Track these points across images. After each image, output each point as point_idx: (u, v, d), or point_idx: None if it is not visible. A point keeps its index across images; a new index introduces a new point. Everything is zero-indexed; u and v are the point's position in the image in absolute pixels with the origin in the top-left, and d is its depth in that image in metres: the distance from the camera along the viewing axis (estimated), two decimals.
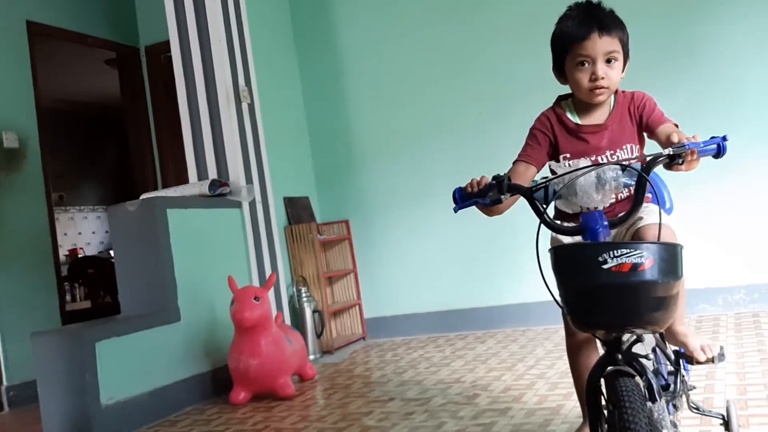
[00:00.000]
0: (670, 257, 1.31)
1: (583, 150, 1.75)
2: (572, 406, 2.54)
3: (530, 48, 4.34)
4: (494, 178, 1.55)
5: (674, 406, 1.73)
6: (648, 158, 1.48)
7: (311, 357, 4.17)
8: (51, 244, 4.64)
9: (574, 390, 2.09)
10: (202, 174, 4.10)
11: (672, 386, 1.72)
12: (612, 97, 1.76)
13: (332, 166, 4.97)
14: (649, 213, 1.70)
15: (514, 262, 4.34)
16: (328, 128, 4.99)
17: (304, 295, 4.38)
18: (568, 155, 1.76)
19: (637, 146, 1.77)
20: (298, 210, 4.71)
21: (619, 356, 1.40)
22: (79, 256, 7.23)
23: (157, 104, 5.59)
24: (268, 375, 3.28)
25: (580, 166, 1.50)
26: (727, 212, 3.93)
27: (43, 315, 4.46)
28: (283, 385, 3.31)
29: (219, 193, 3.89)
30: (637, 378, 1.37)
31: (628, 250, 1.28)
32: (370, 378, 3.57)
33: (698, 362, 1.68)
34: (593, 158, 1.72)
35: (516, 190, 1.53)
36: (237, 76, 4.17)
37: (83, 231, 7.64)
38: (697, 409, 1.79)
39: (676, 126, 1.68)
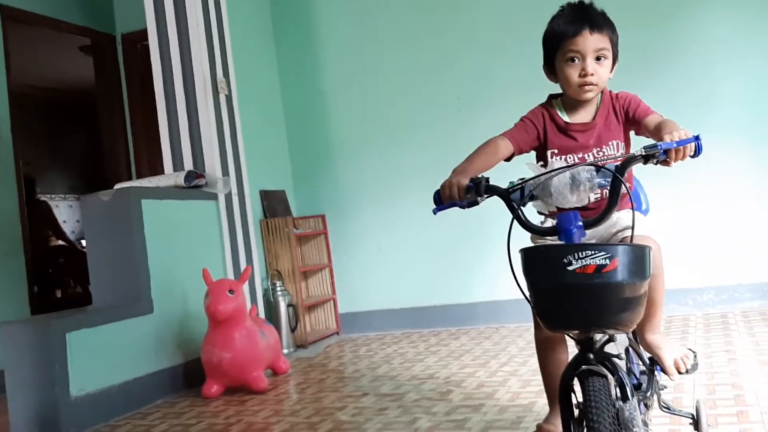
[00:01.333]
0: (636, 258, 1.32)
1: (570, 147, 1.78)
2: (544, 403, 2.56)
3: (509, 47, 4.38)
4: (472, 180, 1.56)
5: (645, 405, 1.76)
6: (623, 158, 1.50)
7: (285, 351, 4.16)
8: (21, 232, 4.55)
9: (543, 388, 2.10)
10: (177, 165, 4.05)
11: (644, 385, 1.74)
12: (599, 96, 1.79)
13: (309, 160, 4.95)
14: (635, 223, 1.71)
15: (488, 260, 4.36)
16: (306, 122, 4.97)
17: (278, 288, 4.36)
18: (555, 150, 1.79)
19: (623, 143, 1.79)
20: (274, 203, 4.69)
21: (591, 356, 1.42)
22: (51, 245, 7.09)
23: (133, 93, 5.51)
24: (242, 368, 3.27)
25: (555, 167, 1.51)
26: (696, 214, 4.00)
27: (10, 304, 4.37)
28: (257, 378, 3.29)
29: (195, 185, 3.85)
30: (609, 377, 1.39)
31: (593, 252, 1.29)
32: (344, 373, 3.57)
33: (671, 379, 1.73)
34: (580, 155, 1.75)
35: (493, 191, 1.54)
36: (215, 67, 4.13)
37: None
38: (668, 408, 1.82)
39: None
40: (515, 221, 1.48)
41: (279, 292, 4.34)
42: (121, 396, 3.20)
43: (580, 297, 1.32)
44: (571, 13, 1.73)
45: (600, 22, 1.72)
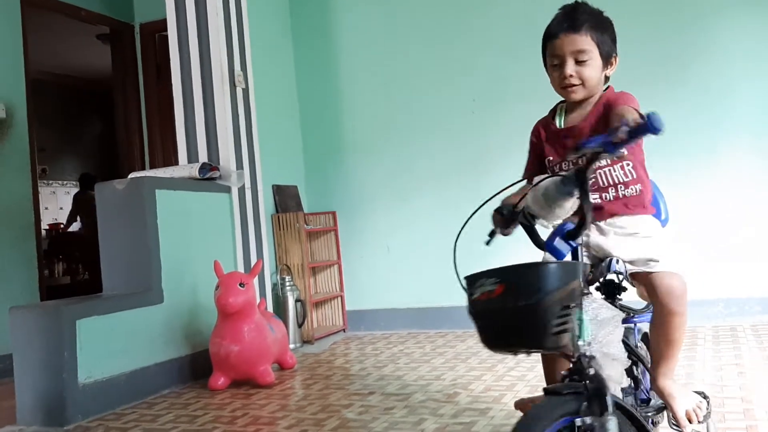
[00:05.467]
0: (525, 281, 1.28)
1: (563, 153, 1.76)
2: None
3: (525, 49, 4.36)
4: (498, 211, 1.61)
5: (653, 422, 1.75)
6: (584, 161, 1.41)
7: (292, 346, 4.16)
8: (33, 218, 4.57)
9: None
10: (192, 157, 4.06)
11: (652, 401, 1.73)
12: (597, 96, 1.76)
13: (322, 157, 4.96)
14: (660, 255, 1.65)
15: (498, 263, 4.35)
16: (320, 118, 4.97)
17: (287, 283, 4.37)
18: (550, 158, 1.79)
19: None
20: (286, 198, 4.70)
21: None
22: (61, 231, 7.16)
23: (148, 83, 5.53)
24: (249, 362, 3.27)
25: (536, 181, 1.48)
26: (708, 226, 3.98)
27: (21, 289, 4.39)
28: (264, 372, 3.30)
29: (209, 177, 3.86)
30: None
31: (484, 279, 1.32)
32: (350, 370, 3.58)
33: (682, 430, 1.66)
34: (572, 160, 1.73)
35: (513, 220, 1.59)
36: (233, 61, 4.14)
37: (65, 206, 7.54)
38: (677, 425, 1.80)
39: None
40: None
41: (288, 287, 4.34)
42: (128, 384, 3.21)
43: (484, 322, 1.34)
44: (557, 16, 1.75)
45: (580, 23, 1.69)
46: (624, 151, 1.31)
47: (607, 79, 1.78)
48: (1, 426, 2.99)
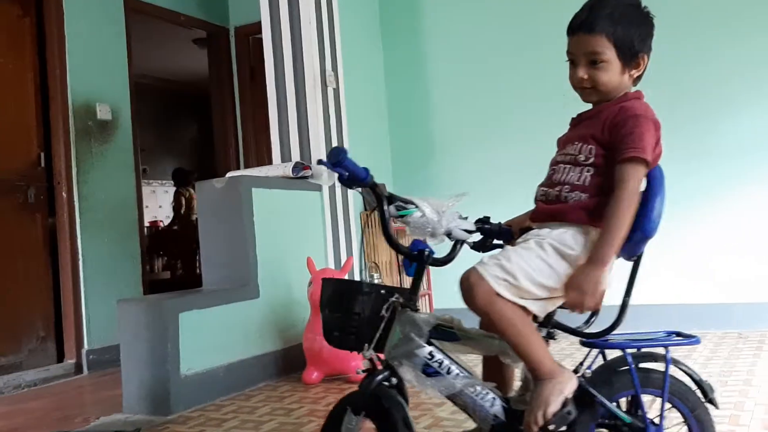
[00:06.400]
0: (333, 292, 1.69)
1: (564, 140, 1.72)
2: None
3: None
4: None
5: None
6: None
7: None
8: (137, 216, 4.80)
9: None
10: (285, 156, 4.15)
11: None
12: (614, 101, 1.63)
13: (410, 155, 4.96)
14: (497, 259, 1.59)
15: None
16: (409, 118, 4.97)
17: (376, 280, 4.40)
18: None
19: (593, 147, 1.59)
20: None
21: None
22: (161, 228, 7.52)
23: (243, 85, 5.69)
24: (341, 357, 3.31)
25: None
26: (736, 231, 3.88)
27: (126, 283, 4.61)
28: (355, 368, 3.33)
29: (301, 176, 3.93)
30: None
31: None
32: None
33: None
34: (558, 150, 1.71)
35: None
36: (324, 61, 4.20)
37: (164, 204, 7.88)
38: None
39: (634, 159, 1.49)
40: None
41: None
42: (226, 377, 3.32)
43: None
44: (578, 12, 1.64)
45: (596, 23, 1.57)
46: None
47: (635, 80, 1.64)
48: (108, 414, 3.15)
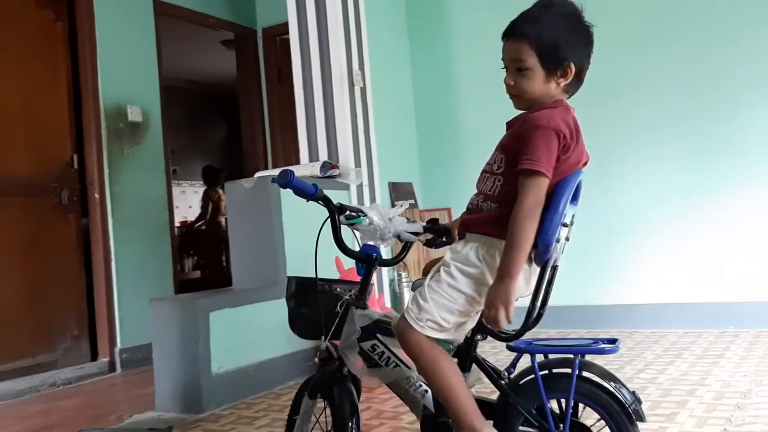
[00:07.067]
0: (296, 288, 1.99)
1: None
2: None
3: (653, 40, 4.18)
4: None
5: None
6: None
7: None
8: (168, 216, 4.86)
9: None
10: (313, 155, 4.17)
11: None
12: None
13: (437, 154, 4.95)
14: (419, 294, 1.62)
15: (624, 262, 4.22)
16: (435, 116, 4.97)
17: (404, 279, 4.40)
18: None
19: (503, 157, 1.59)
20: (401, 195, 4.73)
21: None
22: (194, 227, 7.60)
23: (270, 86, 5.73)
24: None
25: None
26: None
27: (157, 282, 4.68)
28: None
29: (329, 175, 3.95)
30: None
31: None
32: None
33: None
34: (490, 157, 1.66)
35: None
36: (351, 60, 4.21)
37: (194, 204, 7.97)
38: None
39: (526, 171, 1.47)
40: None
41: (404, 283, 4.37)
42: (256, 375, 3.35)
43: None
44: (514, 18, 1.63)
45: (522, 29, 1.57)
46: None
47: (567, 88, 1.59)
48: (141, 411, 3.19)
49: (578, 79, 1.58)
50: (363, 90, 4.31)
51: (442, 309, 1.55)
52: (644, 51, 4.22)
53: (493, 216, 1.55)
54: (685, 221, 4.09)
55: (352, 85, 4.19)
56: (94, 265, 4.43)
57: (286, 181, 1.75)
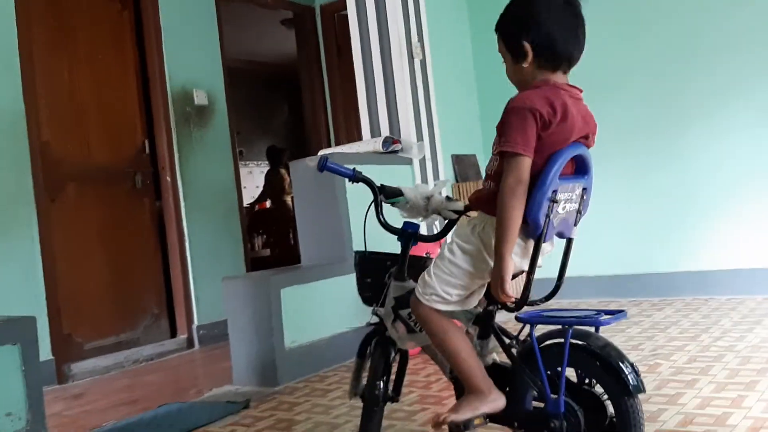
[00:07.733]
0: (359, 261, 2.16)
1: None
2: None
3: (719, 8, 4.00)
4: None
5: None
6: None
7: None
8: (237, 197, 4.98)
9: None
10: (375, 131, 4.18)
11: None
12: None
13: None
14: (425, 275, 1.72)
15: (694, 228, 4.10)
16: (497, 86, 4.83)
17: None
18: None
19: (497, 138, 1.64)
20: (465, 168, 4.70)
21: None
22: (258, 208, 7.77)
23: (330, 63, 5.75)
24: None
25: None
26: None
27: (229, 261, 4.82)
28: None
29: (391, 150, 3.96)
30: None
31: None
32: None
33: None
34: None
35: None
36: (410, 32, 4.18)
37: (260, 185, 8.12)
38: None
39: (503, 152, 1.55)
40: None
41: None
42: (328, 349, 3.42)
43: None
44: None
45: (498, 23, 1.70)
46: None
47: (540, 66, 1.61)
48: (219, 386, 3.31)
49: (552, 54, 1.61)
50: (423, 62, 4.28)
51: (444, 283, 1.65)
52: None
53: (489, 194, 1.61)
54: (762, 184, 3.92)
55: (411, 57, 4.16)
56: (169, 247, 4.59)
57: (322, 165, 1.95)
